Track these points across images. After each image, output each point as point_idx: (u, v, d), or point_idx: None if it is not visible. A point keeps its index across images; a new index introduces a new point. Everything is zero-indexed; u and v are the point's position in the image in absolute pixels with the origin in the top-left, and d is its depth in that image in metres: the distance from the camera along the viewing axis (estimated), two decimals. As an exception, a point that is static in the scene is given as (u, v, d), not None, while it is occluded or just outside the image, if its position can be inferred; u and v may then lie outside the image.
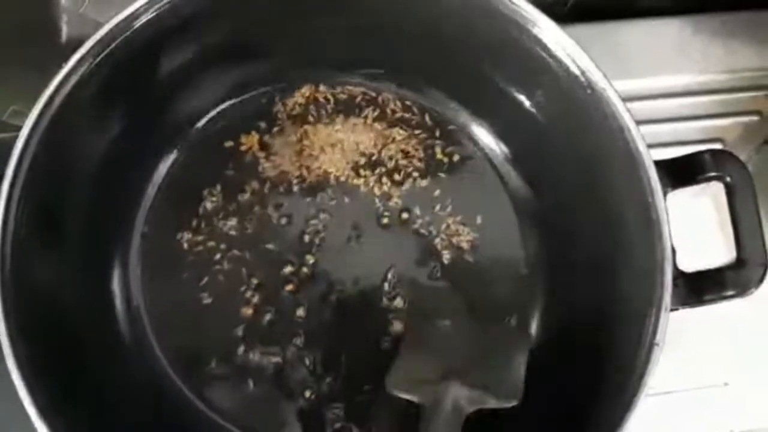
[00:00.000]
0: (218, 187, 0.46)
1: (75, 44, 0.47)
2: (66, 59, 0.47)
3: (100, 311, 0.43)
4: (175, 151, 0.46)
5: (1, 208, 0.35)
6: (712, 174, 0.38)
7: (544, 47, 0.39)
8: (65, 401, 0.35)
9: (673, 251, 0.36)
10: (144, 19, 0.37)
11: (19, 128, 0.49)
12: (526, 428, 0.42)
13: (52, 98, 0.36)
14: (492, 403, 0.38)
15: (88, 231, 0.41)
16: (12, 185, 0.35)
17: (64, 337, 0.38)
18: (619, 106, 0.37)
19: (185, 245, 0.45)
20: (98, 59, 0.37)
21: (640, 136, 0.37)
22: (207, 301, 0.44)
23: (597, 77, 0.38)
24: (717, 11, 0.54)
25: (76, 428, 0.35)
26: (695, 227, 0.49)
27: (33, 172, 0.36)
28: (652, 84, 0.53)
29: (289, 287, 0.45)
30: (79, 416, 0.35)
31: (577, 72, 0.38)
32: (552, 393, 0.42)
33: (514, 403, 0.39)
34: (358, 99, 0.48)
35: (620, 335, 0.38)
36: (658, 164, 0.37)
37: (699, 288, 0.37)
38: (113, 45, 0.37)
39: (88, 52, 0.36)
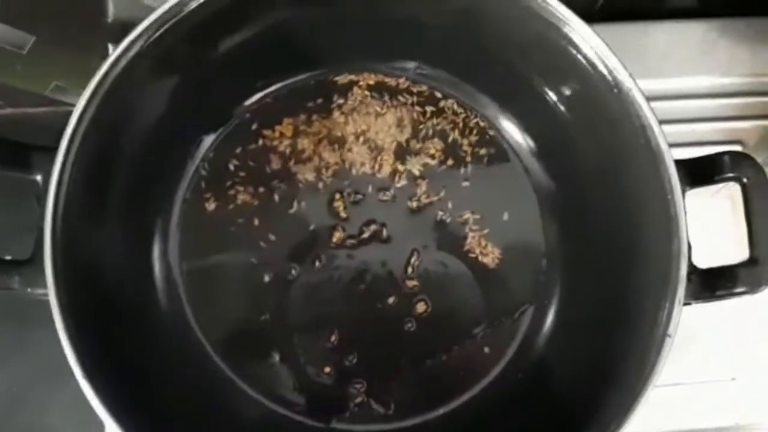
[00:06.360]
0: (256, 167, 0.47)
1: (121, 25, 0.49)
2: (111, 40, 0.49)
3: (141, 282, 0.45)
4: (218, 130, 0.48)
5: (53, 183, 0.36)
6: (730, 175, 0.38)
7: (574, 45, 0.39)
8: (107, 366, 0.37)
9: (689, 247, 0.37)
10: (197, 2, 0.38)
11: (60, 103, 0.52)
12: (534, 416, 0.44)
13: (107, 73, 0.37)
14: None
15: (131, 203, 0.43)
16: (65, 158, 0.36)
17: (104, 305, 0.40)
18: (644, 106, 0.38)
19: (222, 220, 0.47)
20: (152, 38, 0.38)
21: (662, 135, 0.38)
22: (239, 275, 0.46)
23: (624, 77, 0.38)
24: (743, 15, 0.55)
25: (118, 393, 0.36)
26: (710, 226, 0.50)
27: (84, 145, 0.37)
28: (675, 85, 0.54)
29: (317, 265, 0.47)
30: (120, 382, 0.37)
31: (604, 71, 0.39)
32: (563, 380, 0.44)
33: None
34: (391, 89, 0.49)
35: (633, 327, 0.39)
36: (679, 163, 0.38)
37: (712, 283, 0.38)
38: (168, 25, 0.38)
39: (144, 30, 0.37)
